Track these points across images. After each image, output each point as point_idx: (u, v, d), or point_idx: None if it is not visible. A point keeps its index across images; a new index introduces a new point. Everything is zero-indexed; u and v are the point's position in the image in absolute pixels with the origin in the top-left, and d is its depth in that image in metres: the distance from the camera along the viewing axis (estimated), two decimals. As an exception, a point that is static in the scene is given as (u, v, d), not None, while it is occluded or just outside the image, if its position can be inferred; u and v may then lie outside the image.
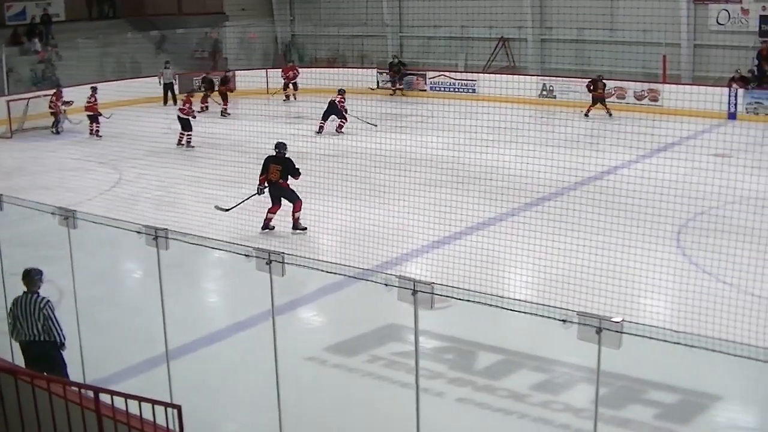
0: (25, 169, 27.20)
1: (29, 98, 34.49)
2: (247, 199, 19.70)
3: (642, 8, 33.10)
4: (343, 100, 31.68)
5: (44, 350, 11.24)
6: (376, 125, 30.38)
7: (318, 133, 30.46)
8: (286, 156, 19.56)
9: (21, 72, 39.83)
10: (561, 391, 12.17)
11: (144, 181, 24.68)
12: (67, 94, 34.22)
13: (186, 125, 29.76)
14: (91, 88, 32.29)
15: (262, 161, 19.58)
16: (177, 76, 39.75)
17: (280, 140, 19.83)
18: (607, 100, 34.14)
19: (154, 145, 28.00)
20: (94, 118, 31.90)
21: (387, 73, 41.38)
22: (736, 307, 12.78)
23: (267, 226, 19.36)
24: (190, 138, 29.58)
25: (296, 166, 19.43)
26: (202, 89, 37.82)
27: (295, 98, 39.86)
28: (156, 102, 38.11)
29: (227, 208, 19.60)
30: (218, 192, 21.84)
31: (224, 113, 36.42)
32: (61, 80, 39.09)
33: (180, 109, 30.44)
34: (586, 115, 33.30)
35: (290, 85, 40.18)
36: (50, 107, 33.54)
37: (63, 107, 33.52)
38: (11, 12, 43.22)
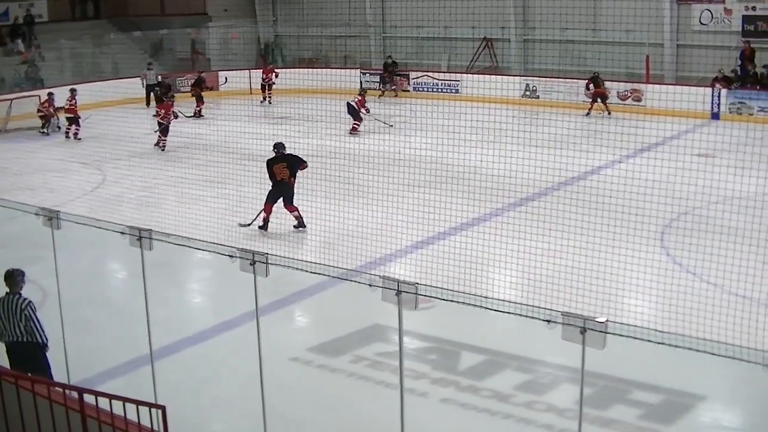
0: (7, 170, 27.11)
1: (12, 99, 34.43)
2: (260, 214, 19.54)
3: (625, 8, 33.10)
4: (363, 101, 31.84)
5: (27, 351, 11.21)
6: (392, 125, 30.85)
7: (352, 133, 30.66)
8: (287, 153, 19.45)
9: (4, 73, 39.72)
10: (545, 392, 12.18)
11: (127, 182, 24.63)
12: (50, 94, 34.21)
13: (164, 130, 29.74)
14: (70, 90, 32.16)
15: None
16: (159, 77, 39.60)
17: (277, 141, 19.67)
18: (590, 100, 34.27)
19: (138, 146, 27.95)
20: (73, 120, 31.76)
21: (381, 74, 40.98)
22: (720, 308, 12.81)
23: (266, 225, 19.24)
24: (164, 142, 29.47)
25: (300, 157, 19.45)
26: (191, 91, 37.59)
27: (270, 101, 39.40)
28: (139, 103, 38.01)
29: (248, 223, 19.35)
30: (201, 192, 21.82)
31: (197, 114, 35.90)
32: (44, 81, 39.09)
33: (155, 115, 30.69)
34: (588, 114, 33.69)
35: (267, 87, 39.74)
36: (39, 111, 33.44)
37: (57, 115, 33.48)
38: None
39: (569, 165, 19.46)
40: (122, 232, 10.24)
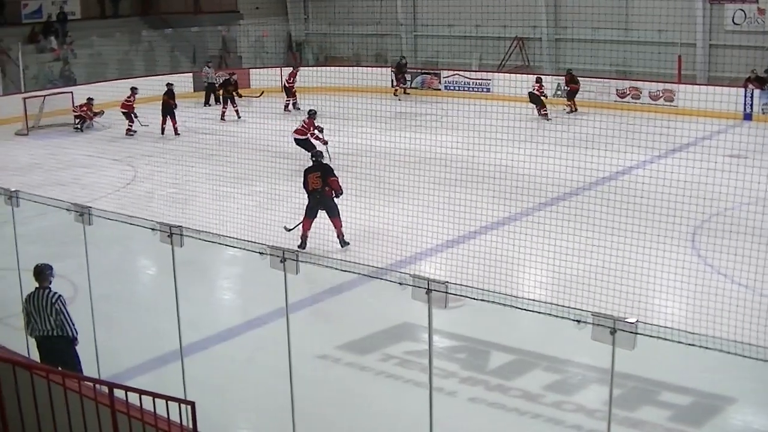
0: (40, 166, 27.29)
1: (45, 96, 34.65)
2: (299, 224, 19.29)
3: (657, 8, 33.01)
4: (541, 87, 32.90)
5: (58, 345, 11.28)
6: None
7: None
8: (324, 162, 18.61)
9: (37, 70, 39.97)
10: (574, 392, 12.16)
11: (158, 179, 24.72)
12: (84, 91, 34.42)
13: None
14: (131, 88, 32.02)
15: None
16: (219, 75, 39.47)
17: (317, 149, 19.30)
18: (622, 100, 34.20)
19: (169, 143, 28.11)
20: (128, 116, 31.75)
21: (393, 72, 40.66)
22: (750, 309, 12.75)
23: (304, 244, 18.06)
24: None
25: (334, 172, 18.34)
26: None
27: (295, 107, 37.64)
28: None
29: (291, 227, 19.03)
30: (232, 189, 21.91)
31: (223, 117, 35.09)
32: (76, 78, 39.33)
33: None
34: (574, 110, 34.52)
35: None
36: (75, 111, 33.64)
37: (96, 118, 33.68)
38: (27, 10, 43.34)
39: (600, 165, 19.37)
40: (153, 229, 10.26)
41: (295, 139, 25.40)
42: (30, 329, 11.42)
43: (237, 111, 34.87)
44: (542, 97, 33.14)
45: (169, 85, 30.87)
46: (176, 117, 30.95)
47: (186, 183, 23.82)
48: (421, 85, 40.78)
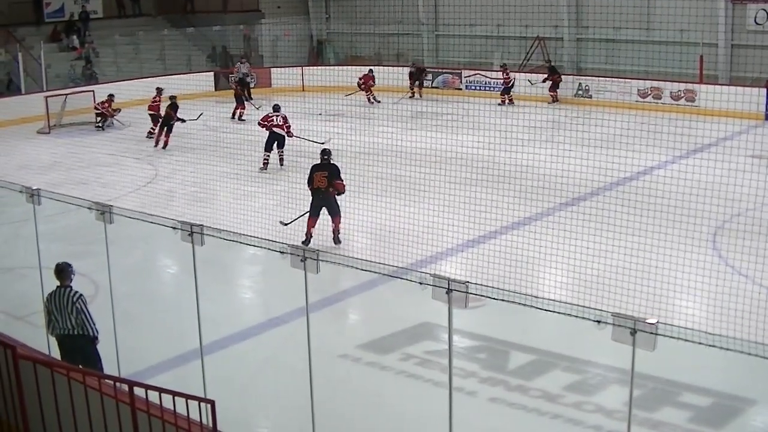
0: (62, 164, 27.39)
1: (67, 94, 34.80)
2: (303, 215, 19.38)
3: (679, 8, 32.88)
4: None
5: (78, 344, 11.33)
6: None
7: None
8: (332, 162, 18.60)
9: (59, 68, 40.14)
10: (594, 393, 12.13)
11: (180, 177, 24.79)
12: (106, 90, 34.56)
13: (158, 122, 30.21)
14: (157, 88, 31.87)
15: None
16: (253, 72, 39.50)
17: (325, 147, 19.36)
18: (643, 100, 34.16)
19: (191, 141, 28.16)
20: (155, 119, 31.60)
21: (413, 72, 40.06)
22: (772, 310, 12.70)
23: (308, 240, 18.20)
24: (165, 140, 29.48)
25: (340, 174, 18.41)
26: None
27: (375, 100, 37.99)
28: (191, 99, 38.16)
29: (287, 222, 19.09)
30: (253, 188, 21.96)
31: (238, 116, 34.83)
32: (98, 76, 39.48)
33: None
34: (556, 100, 35.69)
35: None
36: (97, 109, 33.77)
37: (115, 115, 33.78)
38: (50, 9, 43.56)
39: (621, 165, 19.33)
40: (174, 227, 10.28)
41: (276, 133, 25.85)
42: (51, 328, 11.47)
43: (242, 113, 34.70)
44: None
45: (172, 98, 30.22)
46: (172, 131, 29.78)
47: (207, 182, 23.88)
48: (442, 84, 40.73)
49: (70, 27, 43.05)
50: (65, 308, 11.19)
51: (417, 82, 39.51)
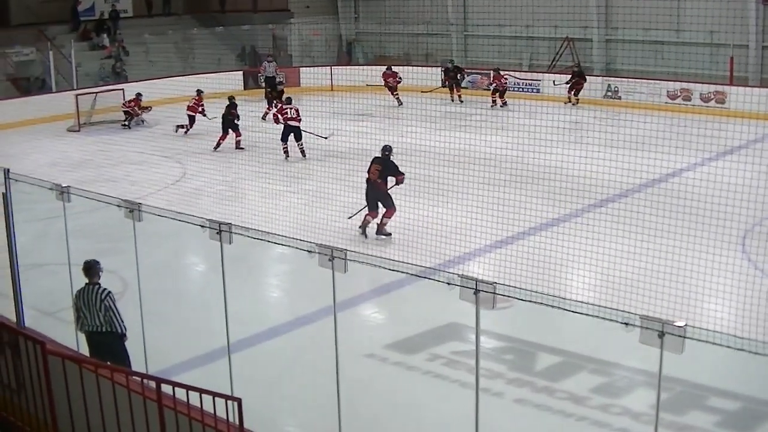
0: (91, 162, 27.55)
1: (97, 93, 34.99)
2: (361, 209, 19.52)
3: (709, 9, 32.71)
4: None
5: (107, 341, 11.39)
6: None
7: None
8: (390, 158, 19.15)
9: (89, 67, 40.35)
10: (621, 395, 12.09)
11: (208, 176, 24.86)
12: (135, 88, 34.74)
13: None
14: (197, 91, 31.75)
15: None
16: (281, 72, 39.56)
17: (386, 143, 19.55)
18: (673, 102, 34.02)
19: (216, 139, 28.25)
20: (192, 120, 31.58)
21: (449, 68, 39.24)
22: (802, 314, 12.63)
23: (384, 232, 18.89)
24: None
25: (398, 168, 19.00)
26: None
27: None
28: (220, 98, 38.24)
29: (349, 216, 19.24)
30: (281, 187, 21.98)
31: (262, 115, 34.51)
32: (128, 75, 39.65)
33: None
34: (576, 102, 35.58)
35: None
36: (124, 107, 33.92)
37: (142, 114, 33.92)
38: (81, 8, 43.81)
39: (650, 167, 19.26)
40: (202, 226, 10.31)
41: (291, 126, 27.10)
42: (80, 324, 11.54)
43: (266, 113, 34.43)
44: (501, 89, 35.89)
45: (231, 98, 29.69)
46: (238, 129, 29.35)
47: (235, 180, 23.93)
48: (471, 85, 40.64)
49: (100, 26, 43.27)
50: (94, 305, 11.25)
51: (454, 84, 38.36)
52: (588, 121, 32.20)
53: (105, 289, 11.37)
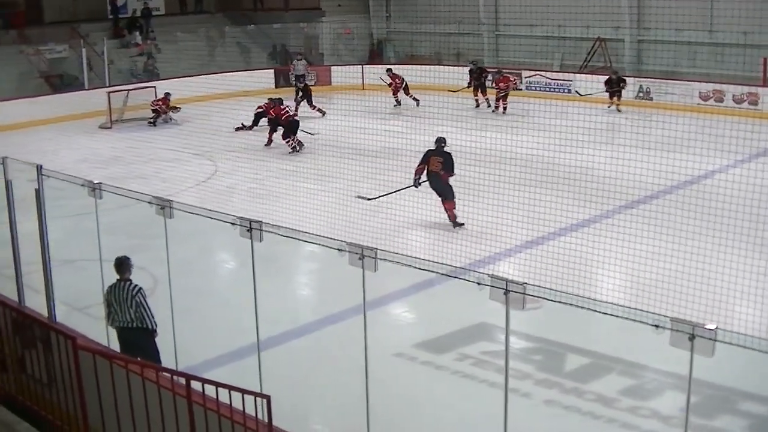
0: (123, 159, 27.69)
1: (129, 90, 35.17)
2: (398, 191, 19.67)
3: (742, 9, 32.55)
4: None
5: (137, 337, 11.46)
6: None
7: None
8: (446, 150, 19.74)
9: (121, 64, 40.56)
10: (650, 397, 12.05)
11: (239, 174, 24.92)
12: (167, 86, 34.91)
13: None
14: (274, 99, 31.46)
15: (423, 154, 19.95)
16: (311, 70, 39.50)
17: (440, 135, 20.11)
18: (705, 103, 33.83)
19: (249, 138, 28.31)
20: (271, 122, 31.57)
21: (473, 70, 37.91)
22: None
23: (456, 222, 19.33)
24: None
25: (454, 163, 19.57)
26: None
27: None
28: (252, 96, 38.29)
29: (371, 197, 19.44)
30: (312, 186, 22.01)
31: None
32: (160, 73, 39.81)
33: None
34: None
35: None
36: (153, 105, 34.08)
37: (171, 113, 34.05)
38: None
39: (682, 168, 19.16)
40: (233, 223, 10.34)
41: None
42: (111, 320, 11.62)
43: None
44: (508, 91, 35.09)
45: (277, 100, 29.86)
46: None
47: (266, 178, 23.98)
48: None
49: (132, 23, 43.48)
50: (125, 301, 11.32)
51: (478, 86, 37.07)
52: (619, 122, 32.09)
53: (136, 285, 11.45)
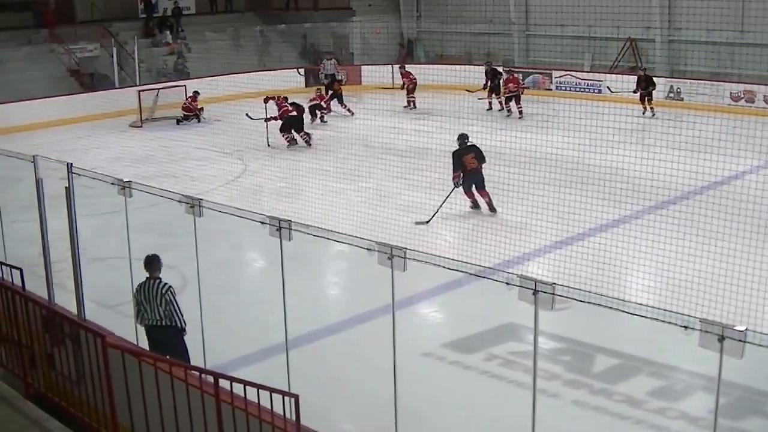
0: (153, 158, 27.80)
1: (159, 89, 35.32)
2: (444, 201, 19.68)
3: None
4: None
5: (166, 335, 11.51)
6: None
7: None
8: (472, 143, 20.33)
9: (152, 63, 40.74)
10: (678, 399, 12.01)
11: (268, 173, 24.97)
12: (196, 85, 35.07)
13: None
14: (292, 101, 31.30)
15: (452, 157, 20.23)
16: (341, 70, 39.58)
17: (462, 132, 20.64)
18: (736, 104, 33.64)
19: (279, 138, 28.35)
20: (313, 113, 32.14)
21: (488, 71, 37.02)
22: None
23: (494, 207, 20.09)
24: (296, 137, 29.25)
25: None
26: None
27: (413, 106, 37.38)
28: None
29: (426, 220, 19.44)
30: (341, 185, 22.03)
31: (323, 118, 33.69)
32: (190, 72, 39.97)
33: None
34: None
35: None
36: (184, 105, 34.25)
37: (200, 113, 34.22)
38: (145, 5, 44.27)
39: (712, 169, 19.07)
40: (262, 222, 10.35)
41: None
42: (140, 318, 11.67)
43: (323, 115, 33.86)
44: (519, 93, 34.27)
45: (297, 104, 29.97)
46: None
47: (295, 177, 24.02)
48: (532, 84, 40.42)
49: (163, 22, 43.69)
50: (154, 299, 11.38)
51: (493, 89, 35.99)
52: (650, 123, 31.94)
53: (166, 283, 11.50)
